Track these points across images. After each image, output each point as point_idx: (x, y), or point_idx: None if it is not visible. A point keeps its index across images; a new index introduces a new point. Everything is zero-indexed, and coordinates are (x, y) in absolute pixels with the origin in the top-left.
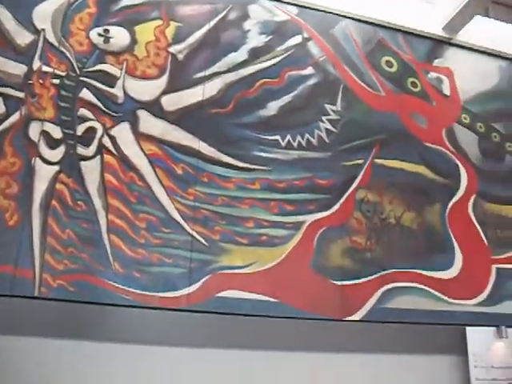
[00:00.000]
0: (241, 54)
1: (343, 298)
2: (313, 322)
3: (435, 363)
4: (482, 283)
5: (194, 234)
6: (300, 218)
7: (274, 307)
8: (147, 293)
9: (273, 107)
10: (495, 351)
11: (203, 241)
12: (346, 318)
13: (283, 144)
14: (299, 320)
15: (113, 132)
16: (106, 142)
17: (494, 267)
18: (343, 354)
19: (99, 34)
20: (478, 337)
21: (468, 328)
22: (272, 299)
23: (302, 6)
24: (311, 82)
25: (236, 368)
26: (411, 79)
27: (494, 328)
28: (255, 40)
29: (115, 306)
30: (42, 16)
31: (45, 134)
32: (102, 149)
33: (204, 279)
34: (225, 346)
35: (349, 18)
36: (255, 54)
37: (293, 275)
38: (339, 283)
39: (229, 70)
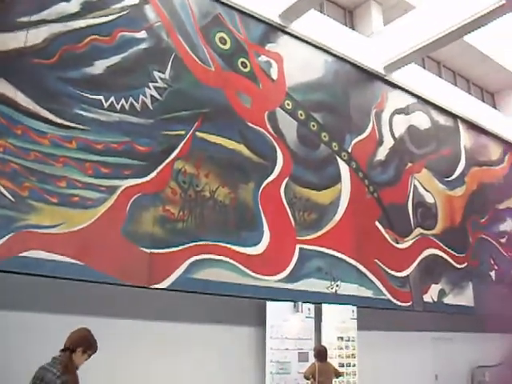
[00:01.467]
0: (73, 5)
1: (151, 266)
2: (121, 287)
3: (236, 333)
4: (285, 261)
5: (0, 188)
6: (115, 182)
7: (79, 270)
8: None
9: (100, 66)
10: (290, 324)
11: (9, 196)
12: (153, 286)
13: (106, 105)
14: (107, 285)
15: None
16: None
17: (297, 247)
18: (149, 321)
19: None
20: (276, 310)
21: (268, 302)
22: (78, 262)
23: None
24: (143, 46)
25: (37, 332)
26: (242, 59)
27: (291, 303)
28: None
29: None
30: None
31: None
32: None
33: (6, 237)
34: (25, 309)
35: None
36: (88, 8)
37: (102, 239)
38: (148, 251)
39: (57, 20)
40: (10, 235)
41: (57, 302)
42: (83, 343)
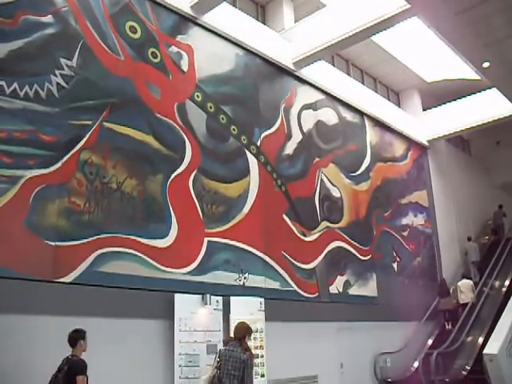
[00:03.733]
0: None
1: (56, 259)
2: (23, 281)
3: (144, 327)
4: (193, 254)
5: None
6: (18, 172)
7: None
8: None
9: (1, 50)
10: (199, 316)
11: None
12: (58, 280)
13: (8, 91)
14: (4, 279)
15: None
16: None
17: (205, 240)
18: (54, 316)
19: None
20: (184, 303)
21: (176, 295)
22: None
23: None
24: (49, 31)
25: None
26: (152, 49)
27: (199, 296)
28: None
29: None
30: None
31: None
32: None
33: None
34: None
35: None
36: None
37: (4, 232)
38: (53, 243)
39: None
40: None
41: None
42: (248, 332)
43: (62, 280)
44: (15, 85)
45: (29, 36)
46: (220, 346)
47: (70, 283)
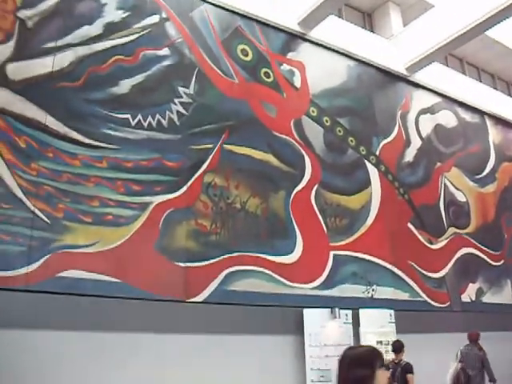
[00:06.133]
0: (96, 28)
1: (187, 280)
2: (158, 303)
3: (274, 343)
4: (319, 268)
5: (36, 210)
6: (146, 198)
7: (116, 287)
8: None
9: (125, 85)
10: (328, 331)
11: (45, 218)
12: (190, 300)
13: (133, 123)
14: (144, 301)
15: None
16: None
17: (331, 253)
18: (188, 334)
19: None
20: (313, 318)
21: (305, 310)
22: (114, 279)
23: None
24: (166, 63)
25: (79, 350)
26: (265, 69)
27: (328, 309)
28: (112, 15)
29: None
30: None
31: None
32: None
33: (44, 258)
34: (67, 328)
35: (208, 2)
36: (111, 29)
37: (137, 256)
38: (183, 265)
39: (82, 43)
40: (47, 256)
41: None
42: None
43: (193, 300)
44: (139, 117)
45: (148, 70)
46: None
47: (202, 302)
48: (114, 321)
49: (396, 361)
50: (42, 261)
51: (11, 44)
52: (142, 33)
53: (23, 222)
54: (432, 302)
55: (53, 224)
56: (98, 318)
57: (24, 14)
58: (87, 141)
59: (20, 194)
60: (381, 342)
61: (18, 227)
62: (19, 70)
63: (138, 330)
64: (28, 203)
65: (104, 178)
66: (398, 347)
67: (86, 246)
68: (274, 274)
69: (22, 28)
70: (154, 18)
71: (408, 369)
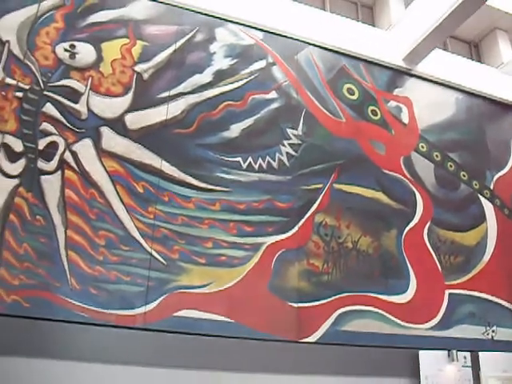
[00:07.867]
0: (205, 76)
1: (299, 320)
2: (270, 343)
3: None
4: (434, 308)
5: (153, 252)
6: (258, 239)
7: (230, 328)
8: (104, 310)
9: (235, 129)
10: (446, 374)
11: (162, 259)
12: (303, 340)
13: (244, 166)
14: (256, 341)
15: (75, 148)
16: (68, 157)
17: (446, 292)
18: (297, 375)
19: (65, 49)
20: (429, 360)
21: (421, 351)
22: (229, 320)
23: (267, 32)
24: (274, 105)
25: None
26: (371, 107)
27: (445, 352)
28: (220, 62)
29: (71, 323)
30: (8, 28)
31: (5, 146)
32: (63, 164)
33: (161, 298)
34: (182, 366)
35: (313, 44)
36: (220, 77)
37: (250, 296)
38: (296, 305)
39: (193, 91)
40: (164, 296)
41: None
42: None
43: (306, 340)
44: (250, 159)
45: (257, 113)
46: None
47: (315, 343)
48: (225, 360)
49: None
50: (159, 300)
51: (129, 96)
52: (249, 78)
53: (141, 263)
54: None
55: (169, 265)
56: (207, 357)
57: (140, 67)
58: (201, 184)
59: (138, 237)
60: None
61: (137, 268)
62: (136, 120)
63: (246, 370)
64: (145, 245)
65: (217, 219)
66: None
67: (201, 286)
68: (387, 314)
69: (138, 80)
70: (261, 63)
71: None
